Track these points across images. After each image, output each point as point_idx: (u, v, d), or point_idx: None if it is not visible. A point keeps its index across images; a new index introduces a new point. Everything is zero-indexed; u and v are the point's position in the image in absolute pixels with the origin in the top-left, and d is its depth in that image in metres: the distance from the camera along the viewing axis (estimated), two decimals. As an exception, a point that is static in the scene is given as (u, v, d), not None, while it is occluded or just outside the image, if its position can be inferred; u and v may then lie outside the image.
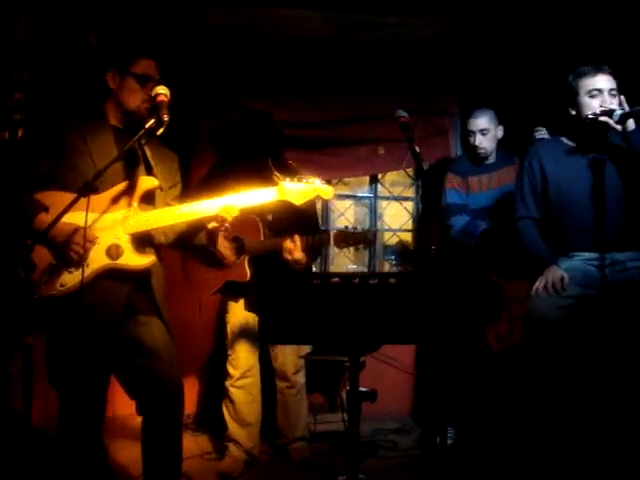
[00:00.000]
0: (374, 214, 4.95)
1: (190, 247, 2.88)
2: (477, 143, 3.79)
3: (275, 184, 2.66)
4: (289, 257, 3.21)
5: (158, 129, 2.45)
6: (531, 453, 2.94)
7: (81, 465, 2.56)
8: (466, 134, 3.89)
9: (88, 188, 2.36)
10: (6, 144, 3.41)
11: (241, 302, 3.42)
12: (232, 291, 3.40)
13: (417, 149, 2.77)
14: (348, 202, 5.00)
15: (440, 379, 3.67)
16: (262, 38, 4.18)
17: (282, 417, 3.58)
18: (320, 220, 4.86)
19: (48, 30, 3.55)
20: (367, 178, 4.92)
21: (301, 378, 3.59)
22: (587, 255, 3.02)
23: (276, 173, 3.30)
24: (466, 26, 4.14)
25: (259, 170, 3.36)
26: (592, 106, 2.94)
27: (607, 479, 2.79)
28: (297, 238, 3.19)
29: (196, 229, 2.68)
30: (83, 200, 2.38)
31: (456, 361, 3.61)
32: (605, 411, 2.90)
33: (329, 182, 3.30)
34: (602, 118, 2.89)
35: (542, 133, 3.62)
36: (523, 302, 3.11)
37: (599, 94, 2.94)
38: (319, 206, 4.85)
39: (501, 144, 3.89)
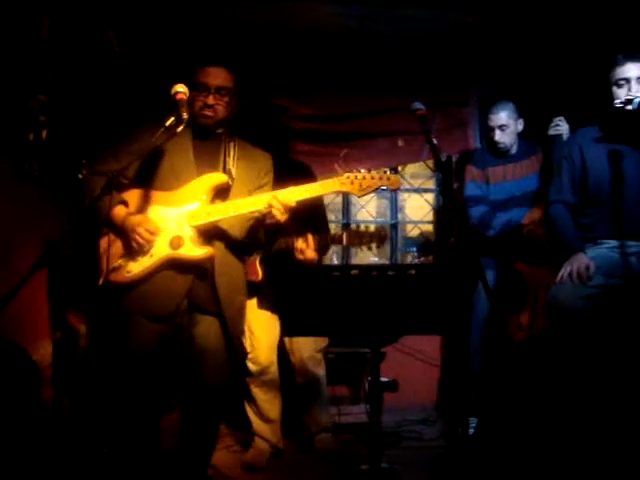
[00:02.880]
0: (395, 206, 4.97)
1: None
2: (497, 139, 3.79)
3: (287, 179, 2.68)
4: (301, 257, 3.17)
5: (178, 126, 2.53)
6: (552, 443, 2.94)
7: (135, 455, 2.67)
8: (487, 128, 3.88)
9: (111, 184, 2.52)
10: (31, 145, 3.48)
11: (254, 300, 3.42)
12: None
13: (435, 141, 2.78)
14: (369, 195, 5.01)
15: (462, 369, 3.69)
16: (280, 32, 4.19)
17: (304, 410, 3.62)
18: (341, 214, 4.92)
19: (70, 33, 3.61)
20: (387, 170, 4.93)
21: (321, 371, 3.61)
22: (614, 243, 3.01)
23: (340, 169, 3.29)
24: (485, 17, 4.12)
25: None
26: (620, 95, 2.94)
27: (632, 468, 2.79)
28: (309, 237, 3.16)
29: (267, 226, 2.74)
30: (161, 194, 2.67)
31: (477, 351, 3.62)
32: (628, 401, 2.89)
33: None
34: (628, 107, 2.89)
35: (560, 124, 3.60)
36: (548, 290, 3.11)
37: (626, 83, 2.94)
38: (339, 199, 4.89)
39: (522, 134, 3.87)
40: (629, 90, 2.92)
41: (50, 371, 3.13)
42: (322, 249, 3.34)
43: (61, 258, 3.10)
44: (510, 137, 3.81)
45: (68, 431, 3.06)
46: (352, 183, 2.58)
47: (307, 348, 3.54)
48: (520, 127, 3.84)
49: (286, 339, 3.55)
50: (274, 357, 3.50)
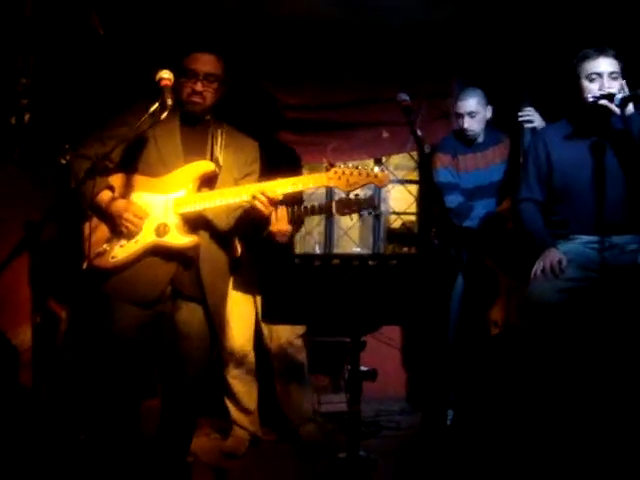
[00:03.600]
0: (378, 197, 4.97)
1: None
2: (466, 126, 3.74)
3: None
4: (274, 229, 3.03)
5: (162, 113, 2.51)
6: (528, 435, 2.98)
7: (115, 443, 2.67)
8: (455, 115, 3.82)
9: (96, 168, 2.49)
10: (13, 128, 3.45)
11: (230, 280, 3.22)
12: None
13: (419, 132, 2.81)
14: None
15: (438, 361, 3.71)
16: (267, 20, 4.18)
17: (285, 400, 3.56)
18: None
19: (54, 15, 3.58)
20: (371, 161, 4.95)
21: (302, 358, 3.56)
22: (587, 238, 3.04)
23: (327, 161, 3.25)
24: (468, 8, 4.12)
25: None
26: (591, 90, 2.94)
27: (607, 463, 2.83)
28: (282, 209, 3.02)
29: (252, 216, 2.71)
30: (147, 180, 2.66)
31: (453, 343, 3.65)
32: (605, 395, 2.93)
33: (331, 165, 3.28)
34: (602, 101, 2.89)
35: (528, 112, 3.58)
36: (520, 287, 3.13)
37: (598, 78, 2.95)
38: (323, 190, 4.88)
39: (491, 123, 3.85)
40: (601, 85, 2.93)
41: (30, 355, 3.12)
42: (296, 222, 3.25)
43: (43, 242, 3.08)
44: (479, 124, 3.77)
45: (46, 416, 3.05)
46: (339, 178, 2.57)
47: (285, 334, 3.48)
48: (489, 114, 3.80)
49: (263, 325, 3.49)
50: (250, 346, 3.47)
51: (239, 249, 3.26)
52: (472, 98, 3.74)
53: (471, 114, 3.74)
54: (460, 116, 3.77)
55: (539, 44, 3.95)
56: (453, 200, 3.74)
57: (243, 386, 3.47)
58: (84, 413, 3.10)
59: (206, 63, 2.70)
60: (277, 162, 3.10)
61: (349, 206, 3.10)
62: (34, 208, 3.07)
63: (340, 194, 2.83)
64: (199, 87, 2.68)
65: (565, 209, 3.11)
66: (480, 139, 3.84)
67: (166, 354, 2.76)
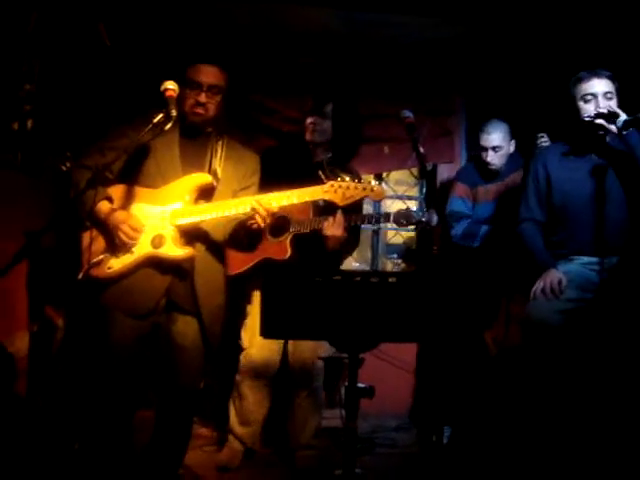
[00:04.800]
0: (378, 213, 4.97)
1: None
2: (489, 160, 3.72)
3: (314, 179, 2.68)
4: (327, 232, 3.07)
5: (166, 123, 2.52)
6: (526, 453, 2.97)
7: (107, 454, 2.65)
8: (479, 148, 3.80)
9: (97, 179, 2.50)
10: (15, 134, 3.45)
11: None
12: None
13: (422, 150, 2.80)
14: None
15: (437, 378, 3.69)
16: (271, 34, 4.19)
17: (289, 422, 3.49)
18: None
19: (60, 24, 3.59)
20: (371, 176, 4.94)
21: (320, 382, 3.47)
22: (587, 259, 3.04)
23: (321, 172, 3.22)
24: (475, 27, 4.15)
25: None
26: (587, 110, 2.97)
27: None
28: (339, 214, 3.04)
29: (246, 227, 2.73)
30: (145, 192, 2.67)
31: (454, 361, 3.63)
32: (602, 413, 2.92)
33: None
34: (598, 120, 2.92)
35: (544, 140, 3.60)
36: (520, 305, 3.13)
37: (593, 98, 2.98)
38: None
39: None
40: (597, 105, 2.96)
41: (26, 363, 3.10)
42: (352, 230, 3.21)
43: (42, 250, 3.07)
44: (502, 159, 3.75)
45: (40, 424, 3.04)
46: (336, 192, 2.54)
47: (309, 353, 3.38)
48: (512, 148, 3.78)
49: (290, 343, 3.39)
50: (272, 357, 3.35)
51: (289, 251, 3.20)
52: (497, 132, 3.71)
53: (495, 149, 3.71)
54: (484, 149, 3.73)
55: (543, 64, 3.98)
56: (460, 227, 3.75)
57: (255, 395, 3.37)
58: (78, 422, 3.08)
59: (210, 75, 2.70)
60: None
61: (407, 217, 3.05)
62: (34, 214, 3.08)
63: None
64: (203, 98, 2.68)
65: (564, 230, 3.12)
66: (502, 170, 3.80)
67: (161, 365, 2.75)
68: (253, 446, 3.47)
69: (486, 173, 3.81)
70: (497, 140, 3.70)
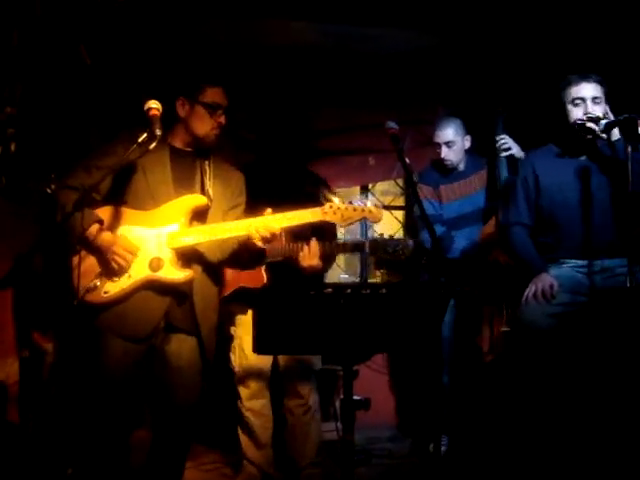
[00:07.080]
0: (365, 223, 4.97)
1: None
2: (443, 155, 3.77)
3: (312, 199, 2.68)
4: (304, 264, 3.09)
5: (150, 143, 2.50)
6: (523, 460, 2.97)
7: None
8: (433, 145, 3.85)
9: (84, 201, 2.47)
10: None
11: (250, 315, 3.07)
12: (243, 299, 3.18)
13: (407, 160, 2.81)
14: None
15: (431, 388, 3.70)
16: (253, 49, 4.20)
17: (290, 440, 3.40)
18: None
19: (41, 45, 3.58)
20: (357, 187, 4.96)
21: (314, 396, 3.38)
22: (576, 262, 3.06)
23: (325, 192, 3.24)
24: (454, 37, 4.18)
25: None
26: (576, 114, 3.00)
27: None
28: (313, 244, 3.07)
29: (248, 247, 2.68)
30: (137, 214, 2.62)
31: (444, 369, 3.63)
32: (597, 417, 2.93)
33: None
34: (589, 124, 2.94)
35: (504, 141, 3.61)
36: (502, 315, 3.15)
37: (582, 102, 3.00)
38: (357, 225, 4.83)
39: (472, 150, 3.87)
40: (586, 109, 2.98)
41: (16, 389, 3.07)
42: (327, 258, 3.22)
43: (29, 275, 3.05)
44: (457, 154, 3.79)
45: (33, 450, 3.00)
46: (335, 213, 2.55)
47: (301, 368, 3.32)
48: (467, 144, 3.82)
49: (280, 359, 3.34)
50: (266, 380, 3.33)
51: (265, 277, 3.22)
52: (449, 128, 3.77)
53: (448, 144, 3.76)
54: (438, 146, 3.78)
55: (518, 73, 4.00)
56: (426, 235, 3.73)
57: (258, 419, 3.32)
58: (71, 447, 3.04)
59: (224, 96, 2.73)
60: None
61: (383, 247, 3.10)
62: (20, 239, 3.05)
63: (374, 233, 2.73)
64: (224, 120, 2.70)
65: (553, 233, 3.13)
66: (461, 167, 3.85)
67: (156, 385, 2.72)
68: (269, 470, 3.38)
69: (444, 170, 3.85)
70: (450, 135, 3.75)
